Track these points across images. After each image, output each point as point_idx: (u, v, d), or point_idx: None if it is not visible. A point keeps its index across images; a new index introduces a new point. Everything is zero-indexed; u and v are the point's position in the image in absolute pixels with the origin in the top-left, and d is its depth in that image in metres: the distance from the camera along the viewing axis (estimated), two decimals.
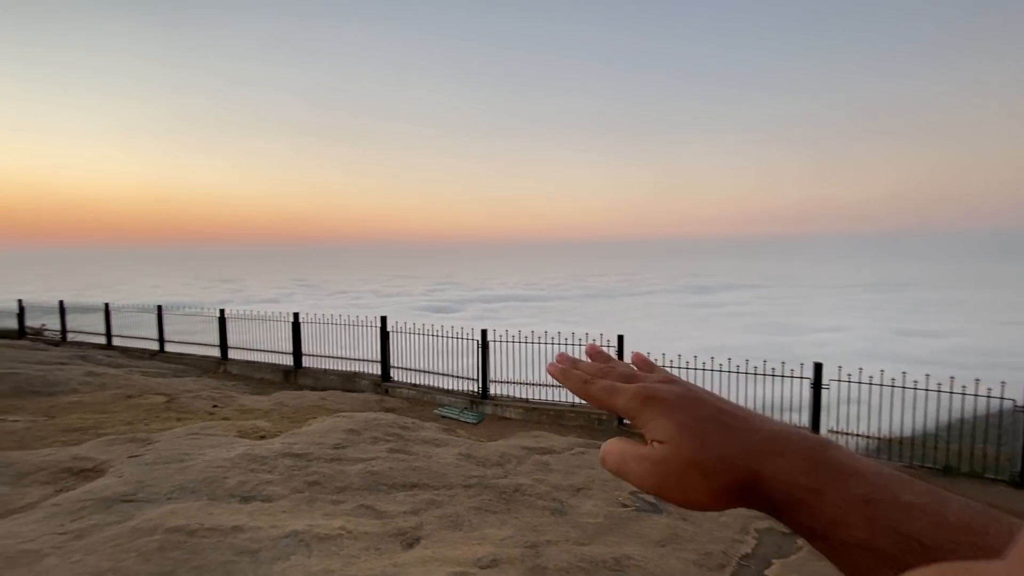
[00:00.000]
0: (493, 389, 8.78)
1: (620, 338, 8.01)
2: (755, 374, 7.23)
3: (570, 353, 0.44)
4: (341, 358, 10.24)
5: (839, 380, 6.81)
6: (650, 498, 3.98)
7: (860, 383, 6.68)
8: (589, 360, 0.44)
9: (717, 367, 7.41)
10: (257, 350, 11.11)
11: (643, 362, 0.44)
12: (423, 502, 3.57)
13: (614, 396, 0.36)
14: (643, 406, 0.35)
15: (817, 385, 6.93)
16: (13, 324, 14.90)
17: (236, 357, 11.36)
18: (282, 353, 10.78)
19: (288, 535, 2.86)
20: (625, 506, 3.91)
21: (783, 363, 7.08)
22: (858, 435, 6.81)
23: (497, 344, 8.75)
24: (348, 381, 9.90)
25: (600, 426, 7.85)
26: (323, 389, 9.09)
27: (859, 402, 6.75)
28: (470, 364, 8.90)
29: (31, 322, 14.82)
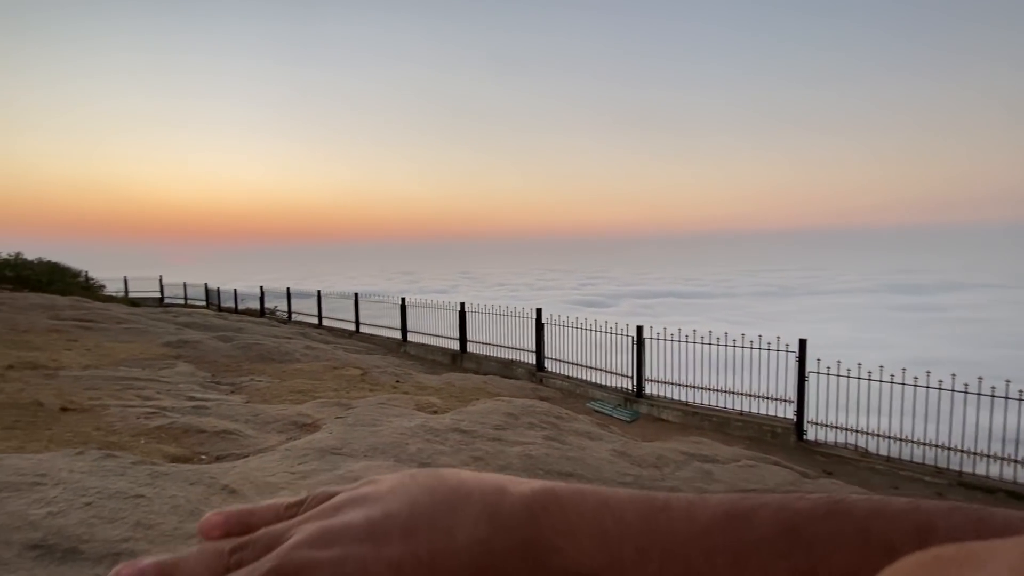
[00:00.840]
0: (648, 388, 8.49)
1: (802, 343, 6.98)
2: (992, 396, 5.73)
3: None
4: (500, 346, 10.94)
5: None
6: None
7: None
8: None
9: (935, 384, 6.05)
10: (430, 334, 12.47)
11: (234, 524, 0.26)
12: None
13: None
14: None
15: None
16: (256, 305, 19.11)
17: (413, 340, 12.90)
18: (450, 339, 11.94)
19: None
20: None
21: None
22: None
23: (653, 342, 8.42)
24: (506, 368, 10.50)
25: (774, 439, 7.04)
26: (484, 374, 9.79)
27: None
28: (623, 360, 8.71)
29: (268, 304, 18.87)
